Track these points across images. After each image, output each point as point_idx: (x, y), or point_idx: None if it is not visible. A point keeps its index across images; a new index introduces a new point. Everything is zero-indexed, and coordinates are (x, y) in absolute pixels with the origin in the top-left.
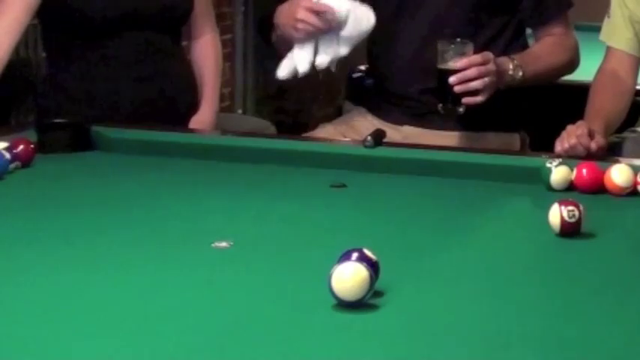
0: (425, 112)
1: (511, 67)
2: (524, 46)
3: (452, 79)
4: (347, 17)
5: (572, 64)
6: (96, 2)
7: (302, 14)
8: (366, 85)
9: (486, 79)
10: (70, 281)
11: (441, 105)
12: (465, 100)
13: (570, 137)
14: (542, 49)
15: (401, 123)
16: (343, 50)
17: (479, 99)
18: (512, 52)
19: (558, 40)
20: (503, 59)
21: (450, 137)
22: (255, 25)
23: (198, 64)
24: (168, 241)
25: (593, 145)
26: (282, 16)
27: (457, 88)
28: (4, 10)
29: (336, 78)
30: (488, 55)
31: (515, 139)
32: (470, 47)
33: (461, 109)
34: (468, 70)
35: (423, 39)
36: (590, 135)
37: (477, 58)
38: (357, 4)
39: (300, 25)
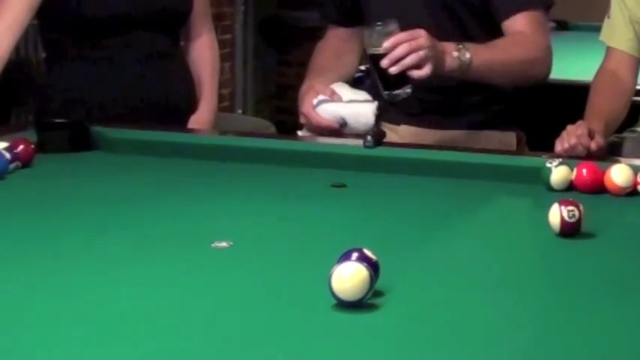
0: (420, 110)
1: (455, 47)
2: None
3: (384, 62)
4: (345, 119)
5: (538, 63)
6: (95, 3)
7: (302, 119)
8: (364, 84)
9: (421, 53)
10: (70, 281)
11: (386, 92)
12: (414, 73)
13: (570, 137)
14: (503, 41)
15: (397, 122)
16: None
17: (423, 72)
18: None
19: (524, 37)
20: (445, 42)
21: (446, 136)
22: (255, 25)
23: (196, 64)
24: (168, 241)
25: (593, 145)
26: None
27: (392, 70)
28: (4, 10)
29: None
30: (417, 31)
31: (511, 138)
32: (394, 26)
33: (408, 90)
34: (397, 49)
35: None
36: (590, 135)
37: (403, 35)
38: (357, 103)
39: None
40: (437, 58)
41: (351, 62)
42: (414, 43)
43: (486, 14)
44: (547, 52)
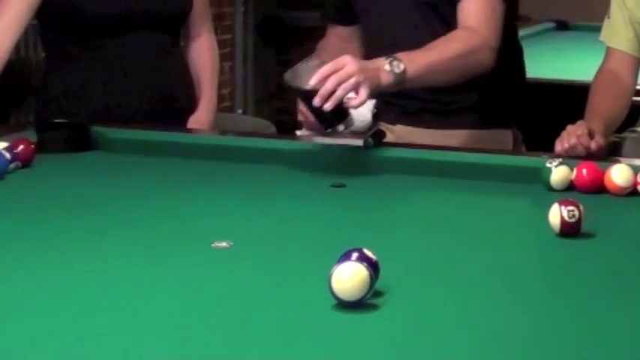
0: (416, 110)
1: (386, 61)
2: (516, 49)
3: (315, 101)
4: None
5: (477, 53)
6: (95, 2)
7: (300, 117)
8: None
9: (351, 81)
10: (70, 281)
11: (329, 130)
12: (349, 103)
13: (570, 137)
14: (439, 40)
15: (393, 122)
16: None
17: (360, 100)
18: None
19: (461, 30)
20: (376, 59)
21: (441, 135)
22: (255, 25)
23: (196, 64)
24: (168, 241)
25: (593, 145)
26: None
27: (326, 107)
28: (4, 10)
29: None
30: (341, 59)
31: (507, 136)
32: (317, 61)
33: (351, 122)
34: (325, 84)
35: (394, 39)
36: (590, 135)
37: (327, 68)
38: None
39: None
40: (370, 79)
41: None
42: (342, 73)
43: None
44: (487, 39)
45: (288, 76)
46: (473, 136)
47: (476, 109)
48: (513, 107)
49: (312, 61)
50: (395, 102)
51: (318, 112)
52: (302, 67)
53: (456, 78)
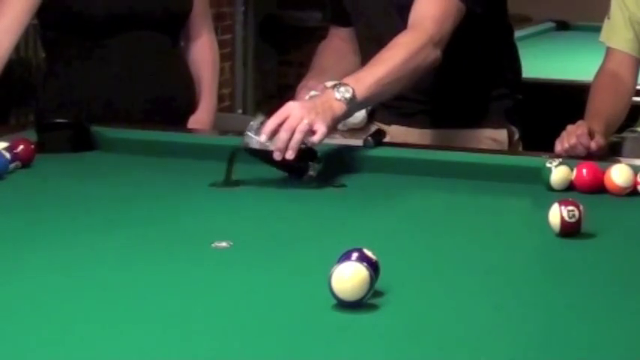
0: (412, 111)
1: (333, 90)
2: (510, 48)
3: (275, 157)
4: None
5: (421, 54)
6: (95, 2)
7: None
8: None
9: (302, 124)
10: (70, 281)
11: (305, 177)
12: (310, 140)
13: (570, 137)
14: (383, 51)
15: (388, 123)
16: None
17: (319, 135)
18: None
19: (403, 35)
20: (319, 92)
21: (437, 135)
22: (255, 25)
23: (196, 64)
24: (168, 241)
25: (593, 145)
26: None
27: (288, 156)
28: (4, 10)
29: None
30: (284, 109)
31: (502, 135)
32: (261, 118)
33: (317, 165)
34: (277, 137)
35: (380, 44)
36: (590, 135)
37: (272, 121)
38: None
39: None
40: (323, 113)
41: (352, 62)
42: (291, 121)
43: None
44: (429, 35)
45: (242, 144)
46: (468, 136)
47: (470, 109)
48: (508, 106)
49: (254, 121)
50: (391, 104)
51: (283, 166)
52: (247, 129)
53: (408, 82)
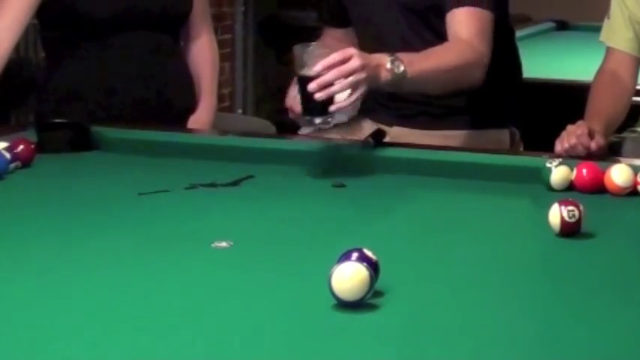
0: (413, 113)
1: (388, 59)
2: (512, 49)
3: (311, 87)
4: None
5: (471, 68)
6: (95, 2)
7: (290, 114)
8: None
9: (350, 79)
10: (70, 281)
11: (307, 118)
12: (333, 107)
13: (570, 137)
14: (437, 49)
15: (390, 124)
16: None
17: (346, 103)
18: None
19: (459, 42)
20: (379, 54)
21: (438, 136)
22: (255, 25)
23: (196, 64)
24: (168, 241)
25: (593, 145)
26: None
27: (318, 96)
28: (4, 10)
29: None
30: (348, 51)
31: (504, 135)
32: (323, 50)
33: (329, 120)
34: (326, 73)
35: (402, 39)
36: (590, 135)
37: (333, 57)
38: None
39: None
40: (370, 77)
41: None
42: (344, 68)
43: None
44: (482, 56)
45: (298, 50)
46: (469, 137)
47: (472, 110)
48: (509, 107)
49: (318, 49)
50: (391, 105)
51: (306, 96)
52: (309, 50)
53: (446, 89)
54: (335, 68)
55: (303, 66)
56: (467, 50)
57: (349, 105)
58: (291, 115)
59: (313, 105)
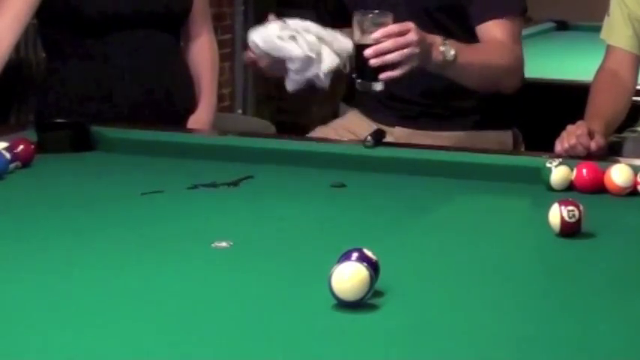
0: (415, 114)
1: (442, 42)
2: None
3: (367, 52)
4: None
5: (511, 74)
6: (96, 1)
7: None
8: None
9: (405, 51)
10: (70, 281)
11: (359, 81)
12: (383, 75)
13: (570, 137)
14: (482, 46)
15: (392, 124)
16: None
17: (396, 73)
18: None
19: (499, 44)
20: (433, 35)
21: (441, 137)
22: (255, 25)
23: (196, 64)
24: (168, 241)
25: (593, 145)
26: None
27: (372, 62)
28: (4, 9)
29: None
30: (407, 24)
31: (507, 137)
32: (388, 18)
33: (379, 86)
34: (384, 42)
35: None
36: (590, 135)
37: (393, 28)
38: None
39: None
40: (422, 54)
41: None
42: (402, 40)
43: (465, 17)
44: (521, 62)
45: (358, 17)
46: (473, 138)
47: (475, 111)
48: (512, 108)
49: (379, 17)
50: (394, 106)
51: (361, 61)
52: (370, 18)
53: (484, 86)
54: (392, 38)
55: (362, 32)
56: (510, 55)
57: (393, 77)
58: (253, 69)
59: (366, 70)
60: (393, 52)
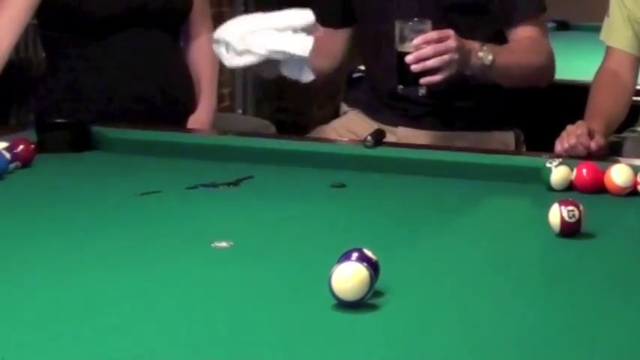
0: (419, 114)
1: (480, 48)
2: None
3: (408, 59)
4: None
5: (546, 70)
6: (95, 1)
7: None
8: (361, 85)
9: (445, 57)
10: (70, 281)
11: (401, 87)
12: (424, 80)
13: (570, 137)
14: (516, 46)
15: (395, 124)
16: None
17: (437, 78)
18: None
19: (531, 43)
20: (471, 40)
21: (444, 138)
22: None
23: (196, 63)
24: (168, 241)
25: (593, 145)
26: None
27: (414, 68)
28: (4, 9)
29: (335, 78)
30: (447, 31)
31: (509, 137)
32: (428, 25)
33: (422, 91)
34: (423, 48)
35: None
36: (590, 135)
37: (432, 34)
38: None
39: None
40: (461, 61)
41: (336, 62)
42: (441, 46)
43: (481, 16)
44: (552, 57)
45: (399, 25)
46: (475, 139)
47: (478, 111)
48: (514, 108)
49: (419, 25)
50: (396, 105)
51: (402, 67)
52: (410, 25)
53: (520, 84)
54: (432, 45)
55: (402, 39)
56: (544, 52)
57: (433, 83)
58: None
59: (407, 76)
60: (432, 58)
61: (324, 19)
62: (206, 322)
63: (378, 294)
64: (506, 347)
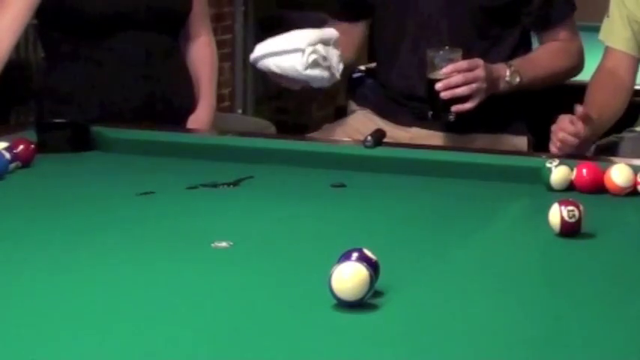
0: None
1: (508, 73)
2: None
3: (438, 86)
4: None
5: (575, 69)
6: (95, 1)
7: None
8: (366, 84)
9: (473, 86)
10: (70, 281)
11: (431, 112)
12: (455, 107)
13: (556, 133)
14: (544, 55)
15: (409, 124)
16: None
17: (467, 106)
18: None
19: (563, 46)
20: (499, 65)
21: (458, 139)
22: (255, 25)
23: (195, 64)
24: (168, 241)
25: (579, 127)
26: None
27: (443, 95)
28: (4, 9)
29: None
30: (476, 61)
31: (523, 142)
32: (458, 54)
33: (451, 117)
34: (453, 76)
35: (418, 43)
36: (572, 121)
37: (462, 64)
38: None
39: None
40: (488, 89)
41: (348, 51)
42: (470, 75)
43: (503, 15)
44: (582, 54)
45: (430, 53)
46: (490, 141)
47: (493, 115)
48: (528, 113)
49: (450, 54)
50: (408, 104)
51: (432, 94)
52: (440, 54)
53: (549, 86)
54: (462, 73)
55: (433, 67)
56: (573, 52)
57: (463, 111)
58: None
59: (438, 102)
60: (462, 86)
61: (341, 13)
62: (206, 322)
63: (378, 294)
64: (507, 347)
